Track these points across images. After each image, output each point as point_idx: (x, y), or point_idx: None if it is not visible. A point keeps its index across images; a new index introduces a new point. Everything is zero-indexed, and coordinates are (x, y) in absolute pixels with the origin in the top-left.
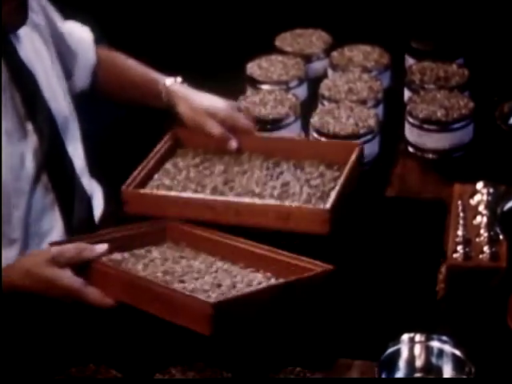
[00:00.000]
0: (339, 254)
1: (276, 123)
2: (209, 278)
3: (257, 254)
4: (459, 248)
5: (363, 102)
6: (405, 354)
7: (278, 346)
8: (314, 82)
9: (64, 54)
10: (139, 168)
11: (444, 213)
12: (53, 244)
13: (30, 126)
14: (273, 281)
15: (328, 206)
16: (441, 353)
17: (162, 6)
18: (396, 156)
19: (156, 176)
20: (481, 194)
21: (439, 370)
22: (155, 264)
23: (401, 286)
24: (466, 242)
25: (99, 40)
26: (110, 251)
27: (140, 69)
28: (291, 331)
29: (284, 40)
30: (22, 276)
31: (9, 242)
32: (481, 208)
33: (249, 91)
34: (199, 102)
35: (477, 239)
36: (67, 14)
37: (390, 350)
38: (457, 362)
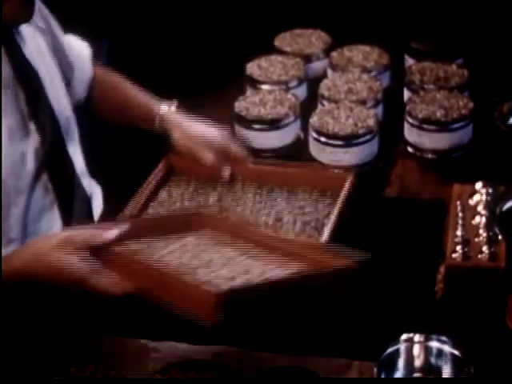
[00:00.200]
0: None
1: (275, 123)
2: (237, 265)
3: (291, 245)
4: (458, 248)
5: (363, 102)
6: (404, 354)
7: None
8: (313, 82)
9: (62, 63)
10: (134, 199)
11: (443, 213)
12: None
13: (32, 125)
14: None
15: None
16: (440, 353)
17: (161, 5)
18: (395, 156)
19: (151, 209)
20: (480, 194)
21: (438, 370)
22: (184, 250)
23: (400, 286)
24: (465, 242)
25: (97, 57)
26: (136, 236)
27: (135, 92)
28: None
29: (283, 40)
30: (31, 260)
31: (7, 241)
32: (480, 208)
33: (248, 91)
34: (193, 130)
35: (476, 239)
36: (66, 28)
37: (389, 350)
38: (456, 362)
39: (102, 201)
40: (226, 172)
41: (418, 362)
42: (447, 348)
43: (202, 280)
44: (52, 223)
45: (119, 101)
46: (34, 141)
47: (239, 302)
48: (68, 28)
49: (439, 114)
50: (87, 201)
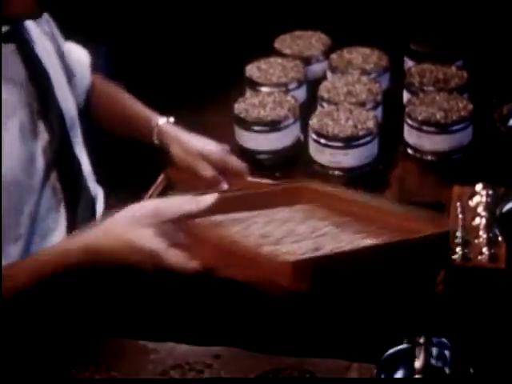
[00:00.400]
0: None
1: (275, 125)
2: (324, 237)
3: (386, 216)
4: (458, 249)
5: (362, 104)
6: (404, 356)
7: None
8: (313, 84)
9: (64, 68)
10: None
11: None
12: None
13: (41, 124)
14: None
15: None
16: (440, 355)
17: (160, 7)
18: (395, 158)
19: None
20: (480, 195)
21: (438, 372)
22: (270, 222)
23: (399, 287)
24: (465, 243)
25: (96, 67)
26: (228, 210)
27: (133, 104)
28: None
29: (283, 42)
30: (101, 237)
31: (15, 237)
32: (480, 209)
33: (248, 93)
34: (191, 144)
35: (476, 241)
36: (65, 32)
37: (389, 352)
38: (456, 364)
39: (103, 202)
40: (224, 186)
41: (417, 364)
42: (447, 350)
43: (283, 251)
44: (57, 223)
45: (116, 112)
46: (43, 140)
47: (322, 271)
48: (67, 32)
49: (439, 115)
50: (92, 202)
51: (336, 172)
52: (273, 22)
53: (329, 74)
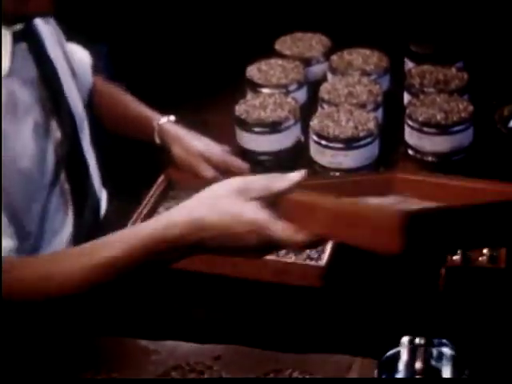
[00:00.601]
0: (340, 256)
1: (276, 126)
2: None
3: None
4: (459, 251)
5: (363, 106)
6: (404, 356)
7: None
8: (313, 86)
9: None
10: (134, 216)
11: None
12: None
13: (54, 123)
14: None
15: (323, 262)
16: (440, 355)
17: (161, 7)
18: (396, 159)
19: None
20: None
21: (438, 373)
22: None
23: (400, 288)
24: None
25: (97, 67)
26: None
27: (134, 104)
28: None
29: (283, 43)
30: (204, 210)
31: (25, 234)
32: None
33: (249, 95)
34: (193, 145)
35: None
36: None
37: (390, 353)
38: (456, 365)
39: (105, 203)
40: None
41: (418, 365)
42: (447, 351)
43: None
44: (65, 222)
45: (117, 112)
46: (54, 139)
47: (429, 227)
48: (68, 32)
49: (439, 117)
50: (97, 204)
51: (337, 173)
52: (273, 24)
53: (329, 76)
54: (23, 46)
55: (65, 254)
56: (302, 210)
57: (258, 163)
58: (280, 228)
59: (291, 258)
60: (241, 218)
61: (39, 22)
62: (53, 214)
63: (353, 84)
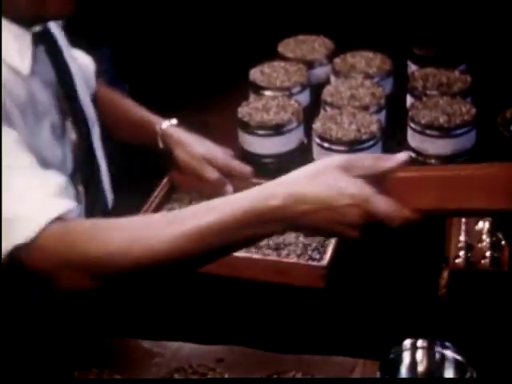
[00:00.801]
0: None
1: (279, 129)
2: None
3: None
4: (461, 253)
5: (365, 108)
6: (407, 359)
7: None
8: (316, 88)
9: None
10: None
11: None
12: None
13: (69, 125)
14: None
15: (325, 262)
16: (443, 358)
17: (164, 10)
18: None
19: None
20: None
21: (441, 376)
22: None
23: (403, 291)
24: (468, 247)
25: (100, 62)
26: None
27: (136, 109)
28: None
29: (287, 46)
30: (305, 184)
31: None
32: None
33: (251, 97)
34: (196, 148)
35: (479, 245)
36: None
37: (392, 355)
38: (459, 368)
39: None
40: (229, 189)
41: (420, 367)
42: (450, 353)
43: None
44: None
45: (119, 118)
46: (71, 140)
47: None
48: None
49: (442, 119)
50: (106, 208)
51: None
52: (276, 26)
53: (332, 78)
54: (41, 47)
55: (151, 219)
56: (408, 185)
57: (260, 166)
58: (384, 204)
59: (293, 259)
60: (345, 191)
61: (52, 25)
62: None
63: (356, 87)
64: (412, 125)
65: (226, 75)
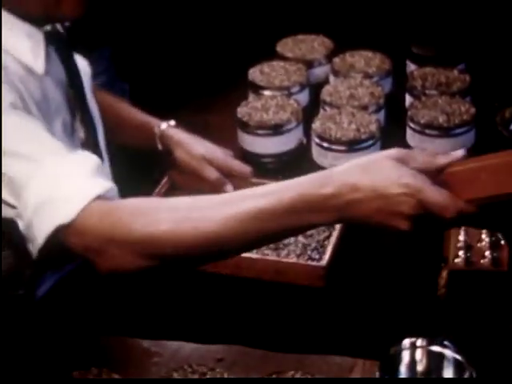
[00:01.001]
0: (341, 259)
1: (278, 128)
2: None
3: None
4: (461, 253)
5: (365, 108)
6: (406, 358)
7: None
8: (315, 88)
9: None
10: None
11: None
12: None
13: (78, 123)
14: None
15: (324, 262)
16: (442, 357)
17: (163, 10)
18: None
19: None
20: None
21: (440, 375)
22: None
23: (402, 290)
24: (468, 247)
25: (99, 62)
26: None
27: (133, 112)
28: None
29: (286, 46)
30: (358, 173)
31: None
32: None
33: (251, 97)
34: (195, 148)
35: (478, 244)
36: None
37: (391, 355)
38: (458, 367)
39: None
40: (229, 189)
41: (420, 367)
42: (449, 353)
43: None
44: None
45: (117, 121)
46: (80, 139)
47: None
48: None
49: (441, 119)
50: None
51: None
52: (275, 26)
53: (331, 78)
54: (52, 47)
55: (201, 201)
56: (462, 178)
57: (260, 165)
58: (439, 193)
59: (293, 259)
60: (399, 180)
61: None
62: None
63: (355, 86)
64: (411, 124)
65: (226, 75)
